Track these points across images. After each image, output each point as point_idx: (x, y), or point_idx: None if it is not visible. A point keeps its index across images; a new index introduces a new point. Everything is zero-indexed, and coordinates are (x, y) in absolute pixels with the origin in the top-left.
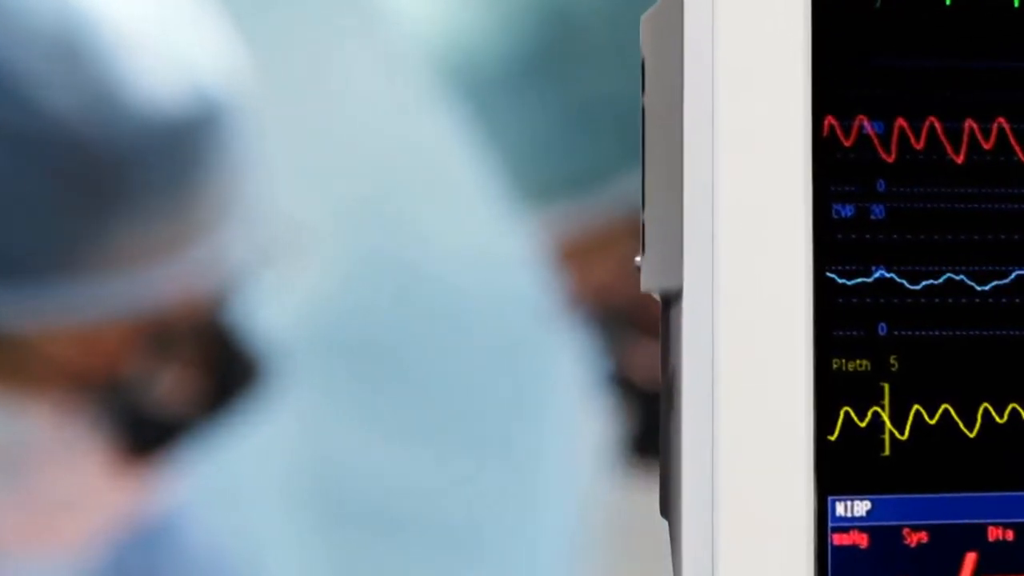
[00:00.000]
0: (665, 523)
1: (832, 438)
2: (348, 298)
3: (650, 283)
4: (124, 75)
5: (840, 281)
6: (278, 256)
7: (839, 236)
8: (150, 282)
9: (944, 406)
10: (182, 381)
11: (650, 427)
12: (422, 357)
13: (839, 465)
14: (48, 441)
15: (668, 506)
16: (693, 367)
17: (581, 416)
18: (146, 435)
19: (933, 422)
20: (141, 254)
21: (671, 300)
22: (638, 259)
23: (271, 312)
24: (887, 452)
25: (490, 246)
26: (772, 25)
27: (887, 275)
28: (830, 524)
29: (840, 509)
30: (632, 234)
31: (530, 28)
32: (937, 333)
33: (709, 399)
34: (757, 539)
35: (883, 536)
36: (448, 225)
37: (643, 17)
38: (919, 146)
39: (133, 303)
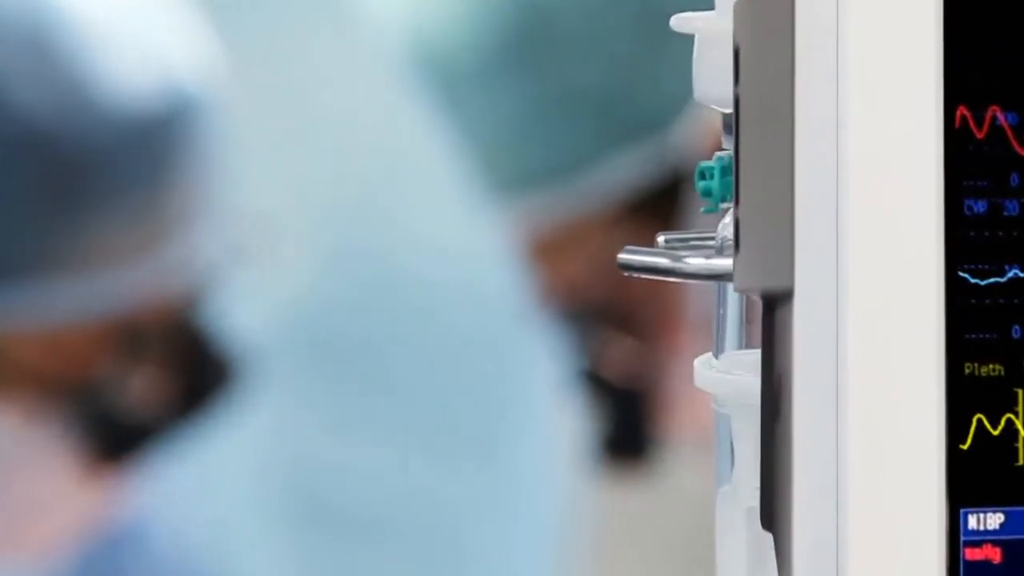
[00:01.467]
0: (768, 535)
1: (964, 447)
2: (324, 297)
3: (746, 282)
4: (94, 70)
5: (973, 281)
6: (252, 255)
7: (971, 233)
8: (121, 283)
9: None
10: (154, 383)
11: (624, 425)
12: (400, 356)
13: (971, 475)
14: (17, 446)
15: (772, 518)
16: (809, 372)
17: (556, 414)
18: (117, 439)
19: None
20: (112, 254)
21: (776, 301)
22: (621, 255)
23: (245, 312)
24: (1021, 462)
25: (469, 241)
26: (901, 10)
27: (1021, 275)
28: (962, 538)
29: (972, 522)
30: (605, 229)
31: (502, 17)
32: None
33: (830, 406)
34: (885, 553)
35: (1017, 550)
36: (426, 221)
37: (737, 1)
38: None
39: (104, 304)
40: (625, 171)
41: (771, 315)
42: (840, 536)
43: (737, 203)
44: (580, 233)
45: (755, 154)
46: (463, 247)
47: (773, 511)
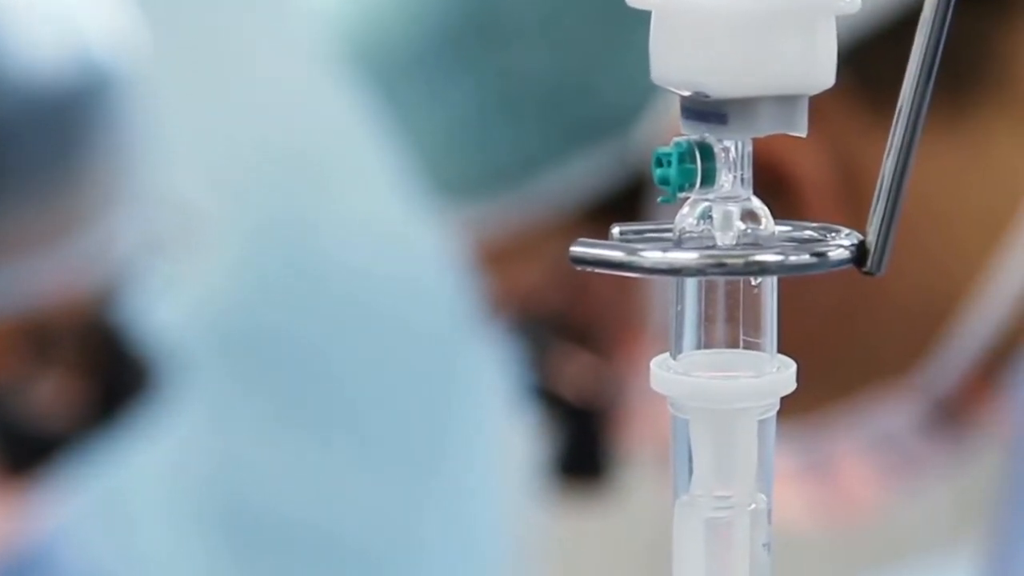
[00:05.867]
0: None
1: None
2: (252, 294)
3: None
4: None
5: None
6: (173, 246)
7: None
8: (27, 276)
9: None
10: (64, 389)
11: (580, 443)
12: (335, 360)
13: None
14: None
15: None
16: None
17: (506, 432)
18: (23, 451)
19: None
20: (16, 244)
21: None
22: (574, 248)
23: (165, 309)
24: None
25: (412, 241)
26: None
27: None
28: None
29: None
30: (561, 235)
31: (446, 3)
32: None
33: None
34: None
35: None
36: (365, 216)
37: None
38: None
39: (7, 301)
40: (583, 172)
41: None
42: None
43: None
44: (534, 239)
45: None
46: (408, 242)
47: None
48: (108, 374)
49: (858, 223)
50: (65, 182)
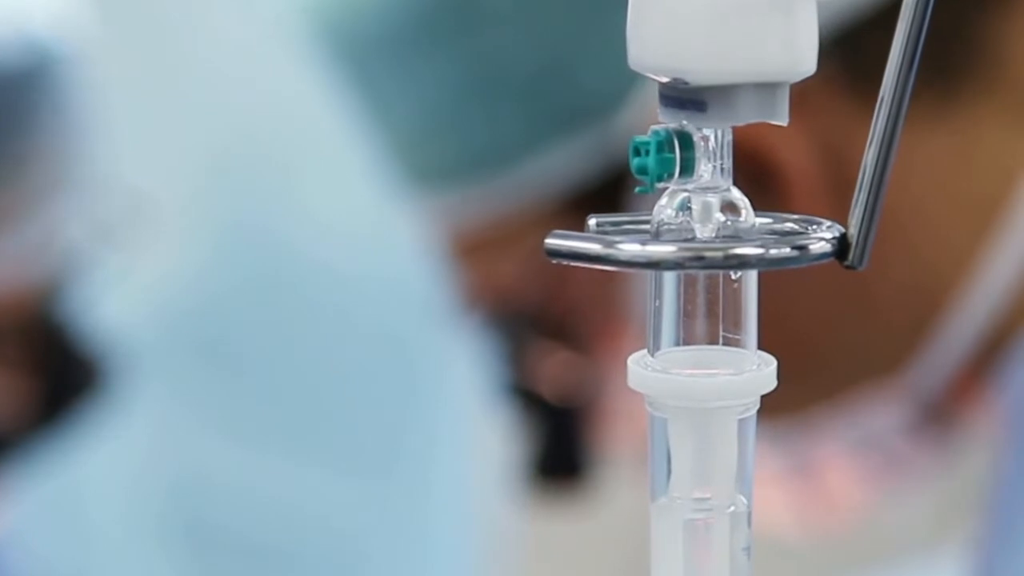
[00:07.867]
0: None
1: None
2: (207, 285)
3: None
4: None
5: None
6: (124, 236)
7: None
8: None
9: None
10: (7, 388)
11: (558, 444)
12: (295, 356)
13: None
14: None
15: None
16: None
17: (480, 432)
18: None
19: None
20: None
21: None
22: (549, 240)
23: (115, 303)
24: None
25: (383, 231)
26: None
27: None
28: None
29: None
30: (540, 226)
31: None
32: None
33: None
34: None
35: None
36: (333, 205)
37: None
38: None
39: None
40: (562, 161)
41: None
42: None
43: None
44: (511, 231)
45: None
46: (375, 238)
47: None
48: (55, 372)
49: (844, 213)
50: (7, 168)
